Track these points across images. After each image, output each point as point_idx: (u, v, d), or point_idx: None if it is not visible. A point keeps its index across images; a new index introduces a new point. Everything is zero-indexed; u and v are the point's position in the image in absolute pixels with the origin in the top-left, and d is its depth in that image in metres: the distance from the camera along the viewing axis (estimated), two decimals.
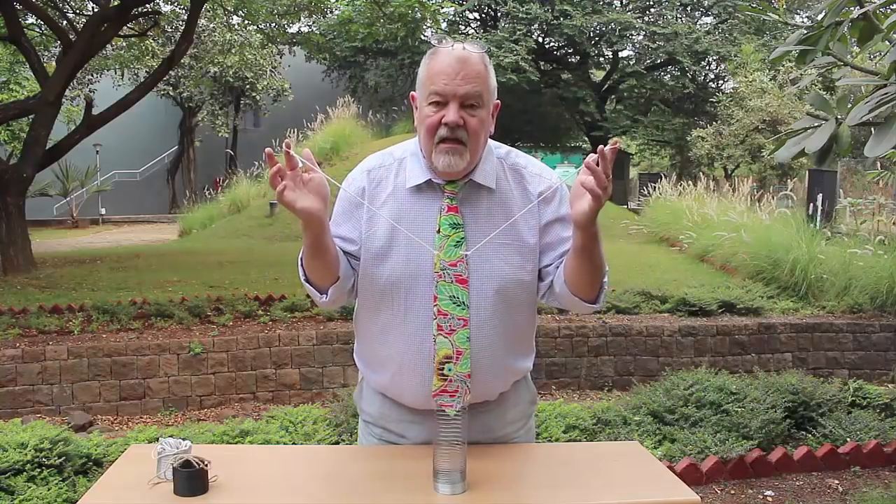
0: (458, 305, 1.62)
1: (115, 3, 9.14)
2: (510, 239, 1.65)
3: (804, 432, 4.22)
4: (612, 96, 24.31)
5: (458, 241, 1.62)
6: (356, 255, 1.68)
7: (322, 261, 1.60)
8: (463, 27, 23.36)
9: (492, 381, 1.70)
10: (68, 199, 21.76)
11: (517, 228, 1.65)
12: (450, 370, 1.62)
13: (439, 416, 1.48)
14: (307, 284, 1.67)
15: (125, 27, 10.14)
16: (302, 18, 12.86)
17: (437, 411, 1.54)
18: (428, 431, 1.69)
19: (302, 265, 1.65)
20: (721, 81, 23.05)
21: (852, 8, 2.11)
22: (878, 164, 9.68)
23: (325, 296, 1.65)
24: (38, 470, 3.19)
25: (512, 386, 1.77)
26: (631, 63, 23.17)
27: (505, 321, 1.66)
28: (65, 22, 10.32)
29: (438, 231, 1.62)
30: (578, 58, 23.13)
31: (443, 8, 14.15)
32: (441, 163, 1.58)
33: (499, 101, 1.66)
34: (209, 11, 12.24)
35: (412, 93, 1.66)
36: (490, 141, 1.69)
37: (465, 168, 1.60)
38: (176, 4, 12.14)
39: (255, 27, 13.19)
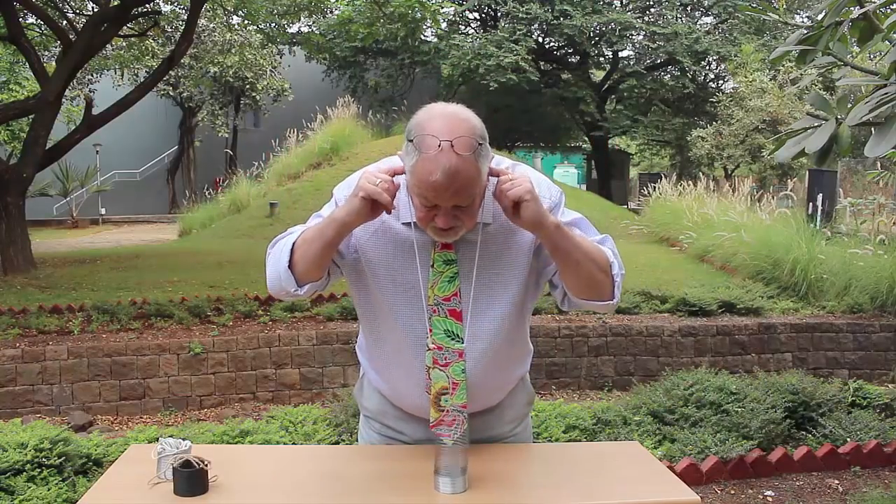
0: (453, 339, 1.61)
1: (115, 3, 9.14)
2: (503, 267, 1.63)
3: (804, 432, 4.22)
4: (612, 96, 24.30)
5: (451, 277, 1.60)
6: (338, 265, 1.67)
7: (325, 259, 1.58)
8: (463, 27, 23.35)
9: (489, 396, 1.71)
10: (68, 199, 21.76)
11: (509, 254, 1.63)
12: (446, 402, 1.62)
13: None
14: (288, 271, 1.59)
15: (125, 27, 10.14)
16: (302, 18, 12.87)
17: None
18: (425, 429, 1.69)
19: (292, 253, 1.59)
20: (721, 81, 23.04)
21: (852, 8, 2.11)
22: (878, 164, 9.68)
23: (301, 289, 1.61)
24: (38, 470, 3.18)
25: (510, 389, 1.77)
26: (631, 63, 23.17)
27: (500, 345, 1.66)
28: (65, 22, 10.32)
29: (432, 266, 1.60)
30: (578, 58, 23.13)
31: (443, 8, 14.16)
32: (437, 237, 1.56)
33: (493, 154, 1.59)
34: (209, 11, 12.24)
35: (399, 154, 1.55)
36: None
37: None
38: (176, 4, 12.15)
39: (255, 27, 13.21)
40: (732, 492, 3.64)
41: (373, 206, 1.50)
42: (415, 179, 1.46)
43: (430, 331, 1.61)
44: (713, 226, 9.59)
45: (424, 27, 14.30)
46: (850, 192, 12.70)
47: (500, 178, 1.53)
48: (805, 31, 2.20)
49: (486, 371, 1.64)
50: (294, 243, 1.60)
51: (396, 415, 1.75)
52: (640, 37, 21.86)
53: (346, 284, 1.74)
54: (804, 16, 20.13)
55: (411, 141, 1.46)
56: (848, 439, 4.04)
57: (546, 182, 1.69)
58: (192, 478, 1.44)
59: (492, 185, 1.57)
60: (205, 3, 10.12)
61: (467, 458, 1.48)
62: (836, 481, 3.77)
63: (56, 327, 5.86)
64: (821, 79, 14.03)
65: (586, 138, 25.77)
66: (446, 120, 1.46)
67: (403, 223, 1.61)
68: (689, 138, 19.17)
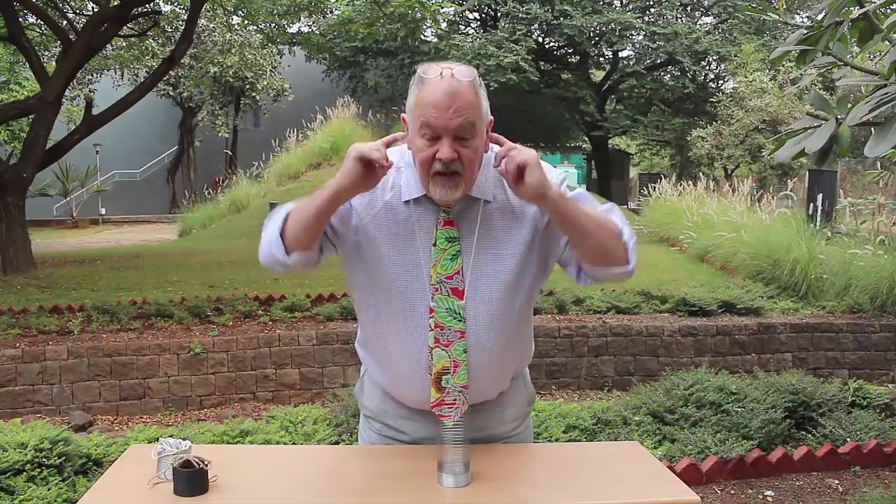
0: (456, 318, 1.61)
1: (115, 3, 9.14)
2: (504, 247, 1.64)
3: (804, 432, 4.22)
4: (612, 96, 24.31)
5: (453, 255, 1.61)
6: (332, 242, 1.66)
7: (316, 227, 1.57)
8: (463, 27, 23.35)
9: (492, 384, 1.71)
10: (68, 199, 21.79)
11: (513, 233, 1.64)
12: (447, 382, 1.62)
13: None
14: (278, 238, 1.58)
15: (125, 27, 10.14)
16: (302, 18, 12.88)
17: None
18: (426, 428, 1.69)
19: (285, 220, 1.59)
20: (721, 81, 23.04)
21: (852, 8, 2.12)
22: (878, 164, 9.67)
23: (289, 257, 1.59)
24: (38, 470, 3.19)
25: (511, 386, 1.77)
26: (631, 63, 23.18)
27: (504, 327, 1.66)
28: (65, 22, 10.32)
29: (434, 244, 1.61)
30: (578, 58, 23.14)
31: (443, 8, 14.17)
32: (437, 194, 1.57)
33: (492, 118, 1.62)
34: (209, 11, 12.25)
35: (403, 115, 1.62)
36: (491, 144, 1.67)
37: (460, 196, 1.59)
38: (176, 4, 12.16)
39: (255, 27, 13.21)
40: (732, 492, 3.64)
41: (366, 171, 1.50)
42: (418, 108, 1.52)
43: (433, 310, 1.61)
44: (713, 226, 9.59)
45: (424, 27, 14.30)
46: (850, 192, 12.70)
47: (504, 146, 1.56)
48: (805, 31, 2.20)
49: (487, 352, 1.64)
50: (289, 211, 1.60)
51: (397, 413, 1.75)
52: (640, 37, 21.87)
53: (344, 271, 1.73)
54: (804, 16, 20.14)
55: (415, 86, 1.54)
56: (848, 439, 4.04)
57: (548, 166, 1.71)
58: (192, 478, 1.44)
59: (492, 159, 1.61)
60: (205, 3, 10.12)
61: (469, 453, 1.49)
62: (836, 481, 3.77)
63: (56, 327, 5.86)
64: (821, 79, 14.04)
65: (586, 138, 25.78)
66: (446, 63, 1.55)
67: (405, 202, 1.63)
68: (689, 138, 19.17)
